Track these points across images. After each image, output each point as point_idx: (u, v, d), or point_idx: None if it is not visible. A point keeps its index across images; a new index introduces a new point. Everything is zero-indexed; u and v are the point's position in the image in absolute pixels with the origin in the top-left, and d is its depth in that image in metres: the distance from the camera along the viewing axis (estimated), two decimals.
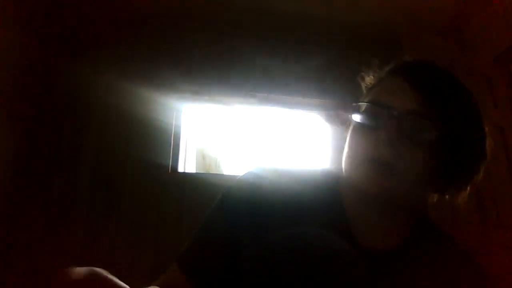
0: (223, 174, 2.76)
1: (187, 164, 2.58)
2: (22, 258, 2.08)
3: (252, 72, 2.56)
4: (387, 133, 0.58)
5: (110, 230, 2.18)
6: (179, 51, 2.63)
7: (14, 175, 2.15)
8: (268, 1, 2.56)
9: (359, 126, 0.65)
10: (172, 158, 2.41)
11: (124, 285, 0.40)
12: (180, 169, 2.45)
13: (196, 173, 2.59)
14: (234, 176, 0.91)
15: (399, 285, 0.62)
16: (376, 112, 0.62)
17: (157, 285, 0.62)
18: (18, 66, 2.17)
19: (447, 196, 0.72)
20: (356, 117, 0.66)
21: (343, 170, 0.68)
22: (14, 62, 2.12)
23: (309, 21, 2.74)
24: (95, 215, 2.22)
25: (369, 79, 0.77)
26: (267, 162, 0.77)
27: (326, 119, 2.77)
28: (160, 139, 2.41)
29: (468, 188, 0.71)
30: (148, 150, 2.36)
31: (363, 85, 0.78)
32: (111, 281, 0.39)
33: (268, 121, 2.78)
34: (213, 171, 2.84)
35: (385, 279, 0.61)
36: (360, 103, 0.66)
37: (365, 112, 0.65)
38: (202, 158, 2.79)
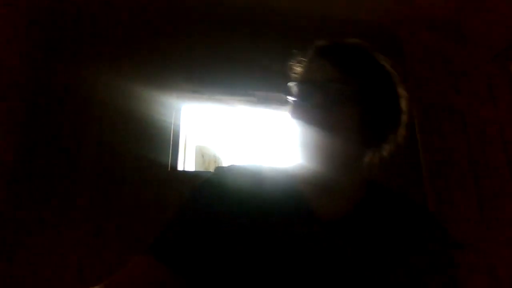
0: None
1: (186, 162, 2.58)
2: (22, 259, 2.08)
3: (252, 71, 2.56)
4: (316, 101, 0.67)
5: (110, 228, 2.18)
6: (179, 50, 2.63)
7: (14, 174, 2.15)
8: (268, 1, 2.56)
9: (294, 105, 0.74)
10: (171, 156, 2.41)
11: None
12: (180, 167, 2.45)
13: (195, 171, 2.60)
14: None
15: (364, 242, 0.68)
16: (304, 88, 0.72)
17: (121, 281, 0.64)
18: (18, 65, 2.16)
19: (378, 152, 0.79)
20: (290, 98, 0.75)
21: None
22: (14, 62, 2.12)
23: (309, 20, 2.74)
24: (95, 212, 2.22)
25: (296, 68, 0.84)
26: (235, 162, 0.85)
27: None
28: (160, 137, 2.41)
29: (394, 140, 0.79)
30: (148, 148, 2.36)
31: (292, 75, 0.84)
32: None
33: (267, 120, 2.78)
34: (212, 169, 2.84)
35: (349, 240, 0.68)
36: (290, 84, 0.75)
37: (296, 91, 0.74)
38: (201, 156, 2.79)
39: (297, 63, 0.83)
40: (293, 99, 0.74)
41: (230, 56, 2.60)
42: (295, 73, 0.82)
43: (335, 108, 0.67)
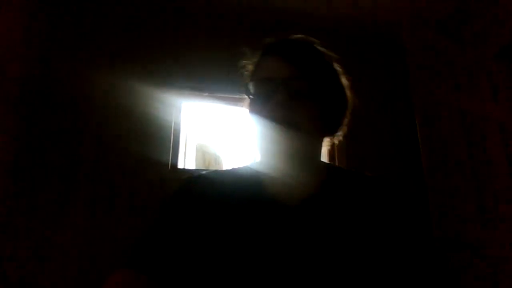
0: None
1: (187, 160, 2.58)
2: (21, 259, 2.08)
3: None
4: (279, 98, 0.70)
5: (110, 226, 2.19)
6: (179, 49, 2.62)
7: (14, 172, 2.15)
8: (272, 0, 2.56)
9: (254, 103, 0.77)
10: (172, 154, 2.41)
11: None
12: (180, 165, 2.45)
13: (196, 169, 2.60)
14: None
15: (326, 221, 0.72)
16: (264, 86, 0.74)
17: None
18: (19, 64, 2.16)
19: (334, 137, 0.86)
20: (249, 96, 0.78)
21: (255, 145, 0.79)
22: (14, 59, 2.11)
23: (309, 18, 2.73)
24: (95, 211, 2.22)
25: (249, 66, 0.87)
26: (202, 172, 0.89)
27: None
28: (160, 135, 2.41)
29: (343, 128, 0.87)
30: (148, 146, 2.36)
31: (245, 73, 0.87)
32: None
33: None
34: (213, 167, 2.85)
35: (311, 221, 0.72)
36: (250, 82, 0.78)
37: (255, 89, 0.76)
38: (202, 154, 2.79)
39: (249, 61, 0.86)
40: (251, 97, 0.77)
41: (230, 54, 2.59)
42: (247, 71, 0.85)
43: (296, 104, 0.71)
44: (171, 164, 2.38)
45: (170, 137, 2.44)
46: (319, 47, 0.85)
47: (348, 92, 0.86)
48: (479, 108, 2.07)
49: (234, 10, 2.64)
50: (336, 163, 2.58)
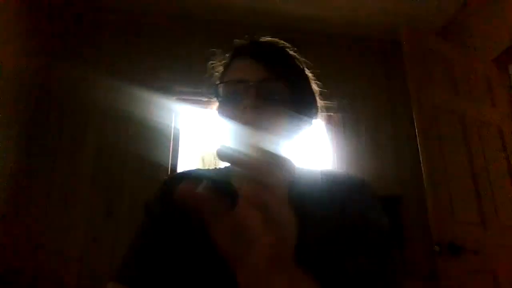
0: None
1: (186, 165, 2.58)
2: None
3: None
4: (249, 101, 0.68)
5: (110, 231, 2.18)
6: (179, 54, 2.63)
7: (15, 173, 2.14)
8: (268, 2, 2.57)
9: (223, 105, 0.74)
10: (171, 159, 2.41)
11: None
12: (180, 169, 2.45)
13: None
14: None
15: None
16: (234, 89, 0.72)
17: None
18: (19, 68, 2.16)
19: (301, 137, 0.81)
20: (219, 98, 0.75)
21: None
22: (15, 64, 2.12)
23: (308, 21, 2.75)
24: (95, 215, 2.21)
25: (218, 68, 0.86)
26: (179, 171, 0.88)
27: (325, 119, 2.77)
28: (160, 140, 2.41)
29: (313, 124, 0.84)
30: (148, 151, 2.36)
31: (214, 74, 0.86)
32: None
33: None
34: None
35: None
36: (219, 84, 0.76)
37: (225, 91, 0.74)
38: (201, 159, 2.79)
39: (220, 63, 0.86)
40: (220, 99, 0.75)
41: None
42: (217, 72, 0.84)
43: (266, 107, 0.69)
44: (171, 168, 2.38)
45: (170, 141, 2.44)
46: (290, 51, 0.82)
47: (318, 98, 0.84)
48: (478, 112, 2.07)
49: (234, 14, 2.66)
50: (335, 165, 2.59)
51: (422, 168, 1.75)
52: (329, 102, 2.73)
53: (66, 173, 2.28)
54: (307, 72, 0.83)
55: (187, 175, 0.84)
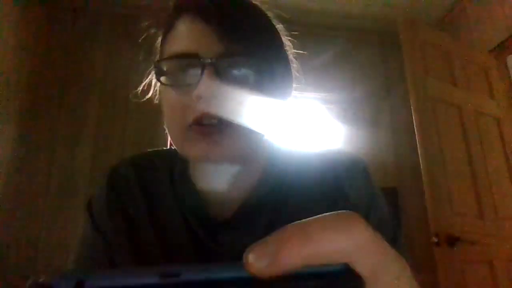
0: None
1: None
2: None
3: None
4: (204, 88, 0.47)
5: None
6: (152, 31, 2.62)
7: (13, 171, 2.14)
8: None
9: (166, 89, 0.53)
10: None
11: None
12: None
13: None
14: None
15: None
16: (182, 66, 0.51)
17: None
18: (14, 62, 2.15)
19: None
20: (161, 78, 0.53)
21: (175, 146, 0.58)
22: (11, 61, 2.10)
23: (307, 13, 2.73)
24: None
25: (158, 33, 0.63)
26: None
27: (327, 112, 2.77)
28: (160, 138, 2.41)
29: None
30: (146, 146, 2.35)
31: (156, 44, 0.65)
32: None
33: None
34: None
35: (246, 234, 0.55)
36: (162, 60, 0.54)
37: (168, 69, 0.53)
38: None
39: (161, 25, 0.62)
40: (163, 80, 0.53)
41: None
42: (163, 44, 0.59)
43: (227, 94, 0.49)
44: None
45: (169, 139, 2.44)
46: (256, 4, 0.59)
47: (293, 67, 0.61)
48: (476, 103, 2.08)
49: None
50: None
51: (420, 160, 1.75)
52: (327, 94, 2.74)
53: (64, 168, 2.28)
54: (280, 32, 0.61)
55: (136, 164, 0.66)
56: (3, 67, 2.04)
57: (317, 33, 2.79)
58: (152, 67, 0.57)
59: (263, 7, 0.60)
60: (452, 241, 1.64)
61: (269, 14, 0.60)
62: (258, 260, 0.18)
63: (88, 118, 2.39)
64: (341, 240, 0.19)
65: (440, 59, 2.02)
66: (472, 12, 2.49)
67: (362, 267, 0.20)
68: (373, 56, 2.94)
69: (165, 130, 0.59)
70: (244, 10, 0.55)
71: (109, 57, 2.52)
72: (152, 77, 0.63)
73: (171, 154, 0.65)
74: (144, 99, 0.69)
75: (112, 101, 2.41)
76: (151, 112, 2.45)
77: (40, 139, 2.29)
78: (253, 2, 0.58)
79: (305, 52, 0.65)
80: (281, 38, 0.60)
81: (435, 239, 1.63)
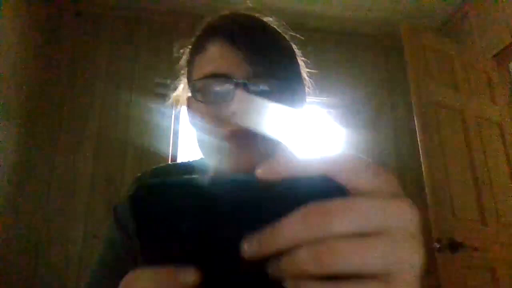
0: None
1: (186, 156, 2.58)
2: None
3: None
4: (237, 106, 0.54)
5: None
6: (179, 50, 2.62)
7: (15, 172, 2.15)
8: (269, 1, 2.57)
9: (199, 105, 0.59)
10: (171, 156, 2.41)
11: None
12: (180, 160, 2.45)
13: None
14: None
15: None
16: (216, 85, 0.57)
17: None
18: (17, 67, 2.16)
19: None
20: (195, 95, 0.60)
21: (207, 160, 0.64)
22: (13, 62, 2.12)
23: (309, 18, 2.74)
24: (95, 212, 2.22)
25: (187, 50, 0.71)
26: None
27: (328, 116, 2.77)
28: (160, 136, 2.41)
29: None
30: (148, 147, 2.36)
31: (182, 61, 0.73)
32: None
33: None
34: None
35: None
36: (197, 80, 0.60)
37: (203, 87, 0.59)
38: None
39: (191, 46, 0.69)
40: (197, 96, 0.59)
41: None
42: (193, 64, 0.65)
43: (258, 110, 0.56)
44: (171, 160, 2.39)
45: (170, 138, 2.44)
46: (276, 28, 0.67)
47: (307, 87, 0.70)
48: (478, 109, 2.08)
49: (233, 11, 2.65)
50: None
51: (422, 165, 1.75)
52: (329, 98, 2.74)
53: (66, 170, 2.28)
54: (297, 54, 0.68)
55: (158, 174, 0.71)
56: (5, 70, 2.05)
57: (318, 37, 2.79)
58: (177, 82, 0.67)
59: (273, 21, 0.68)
60: (454, 246, 1.63)
61: (287, 36, 0.68)
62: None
63: (90, 122, 2.39)
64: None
65: (442, 65, 2.02)
66: (474, 18, 2.49)
67: None
68: (375, 60, 2.94)
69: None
70: (268, 35, 0.63)
71: (112, 60, 2.54)
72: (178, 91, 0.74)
73: (190, 166, 0.72)
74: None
75: (114, 105, 2.42)
76: (153, 117, 2.46)
77: (42, 143, 2.30)
78: (269, 25, 0.66)
79: (306, 60, 0.71)
80: (297, 59, 0.67)
81: (437, 245, 1.62)
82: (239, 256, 0.23)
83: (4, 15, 2.02)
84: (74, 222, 2.20)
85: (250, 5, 0.71)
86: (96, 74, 2.47)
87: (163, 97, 2.56)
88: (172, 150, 2.43)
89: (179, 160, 2.48)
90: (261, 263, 0.23)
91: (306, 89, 0.70)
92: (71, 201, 2.23)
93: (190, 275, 0.23)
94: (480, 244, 1.73)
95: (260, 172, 0.23)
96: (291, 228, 0.22)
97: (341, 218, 0.22)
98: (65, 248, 2.14)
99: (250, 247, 0.23)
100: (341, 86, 2.72)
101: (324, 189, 0.23)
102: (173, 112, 2.50)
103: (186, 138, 2.61)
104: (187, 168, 0.73)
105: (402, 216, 0.24)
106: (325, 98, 2.62)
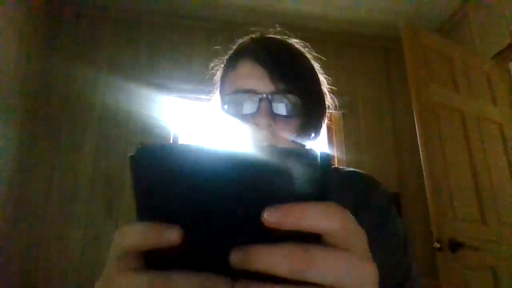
0: None
1: None
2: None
3: None
4: (262, 118, 0.62)
5: (109, 229, 2.19)
6: (179, 51, 2.63)
7: (15, 173, 2.15)
8: (268, 0, 2.57)
9: (229, 116, 0.68)
10: None
11: None
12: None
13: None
14: None
15: None
16: (243, 99, 0.66)
17: None
18: (17, 67, 2.16)
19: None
20: (225, 106, 0.68)
21: None
22: (13, 62, 2.12)
23: (309, 19, 2.75)
24: (95, 214, 2.22)
25: (219, 68, 0.80)
26: None
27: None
28: (160, 138, 2.41)
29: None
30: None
31: (215, 75, 0.82)
32: None
33: None
34: None
35: None
36: (229, 94, 0.68)
37: (231, 101, 0.67)
38: None
39: (223, 64, 0.78)
40: (227, 108, 0.68)
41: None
42: (225, 79, 0.75)
43: (281, 123, 0.64)
44: None
45: (170, 139, 2.44)
46: (299, 49, 0.75)
47: (327, 96, 0.78)
48: (478, 109, 2.08)
49: (233, 12, 2.65)
50: (336, 164, 2.59)
51: (423, 165, 1.75)
52: (329, 99, 2.74)
53: (66, 171, 2.28)
54: (318, 71, 0.76)
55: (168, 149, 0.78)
56: (6, 72, 2.05)
57: (319, 38, 2.80)
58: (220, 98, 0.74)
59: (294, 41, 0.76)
60: (455, 246, 1.63)
61: (309, 55, 0.76)
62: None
63: (91, 123, 2.40)
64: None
65: (442, 65, 2.03)
66: (474, 18, 2.49)
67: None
68: (374, 61, 2.94)
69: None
70: (291, 56, 0.71)
71: (112, 61, 2.54)
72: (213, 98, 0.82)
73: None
74: None
75: (114, 105, 2.42)
76: (154, 117, 2.47)
77: (43, 144, 2.30)
78: (292, 46, 0.74)
79: (318, 56, 0.77)
80: (318, 76, 0.75)
81: (437, 245, 1.63)
82: (222, 225, 0.24)
83: (4, 15, 2.02)
84: (74, 222, 2.20)
85: (279, 29, 0.78)
86: (96, 74, 2.48)
87: (163, 97, 2.57)
88: None
89: None
90: (242, 238, 0.24)
91: (326, 103, 0.77)
92: (71, 202, 2.23)
93: (174, 234, 0.24)
94: (480, 244, 1.73)
95: (267, 217, 0.24)
96: (274, 259, 0.24)
97: (318, 269, 0.24)
98: (65, 248, 2.15)
99: (234, 258, 0.24)
100: (342, 86, 2.73)
101: (306, 166, 0.25)
102: (174, 112, 2.50)
103: (186, 137, 2.61)
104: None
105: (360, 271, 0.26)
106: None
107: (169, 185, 0.25)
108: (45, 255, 2.11)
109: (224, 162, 0.24)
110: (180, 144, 0.25)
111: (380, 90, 2.86)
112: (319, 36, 2.81)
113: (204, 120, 2.86)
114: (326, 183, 0.25)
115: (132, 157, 0.25)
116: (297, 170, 0.24)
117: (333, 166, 0.80)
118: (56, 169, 2.28)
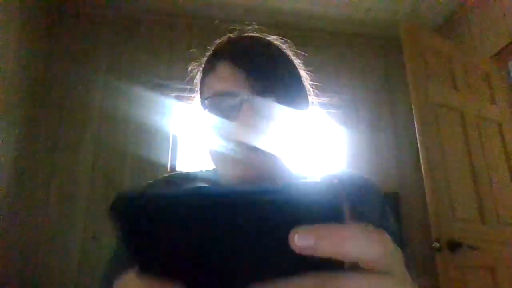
0: None
1: (185, 163, 2.58)
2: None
3: None
4: (243, 119, 0.61)
5: (110, 230, 2.18)
6: (177, 51, 2.63)
7: (15, 172, 2.14)
8: (268, 0, 2.57)
9: (209, 119, 0.67)
10: (170, 157, 2.41)
11: None
12: (179, 168, 2.45)
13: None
14: None
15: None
16: (223, 101, 0.65)
17: None
18: (17, 67, 2.16)
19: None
20: (205, 111, 0.68)
21: (216, 167, 0.71)
22: (13, 63, 2.12)
23: (308, 18, 2.74)
24: (94, 212, 2.22)
25: (197, 70, 0.79)
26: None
27: (328, 117, 2.77)
28: (159, 138, 2.41)
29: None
30: (147, 149, 2.36)
31: (195, 77, 0.80)
32: None
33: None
34: None
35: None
36: (208, 97, 0.67)
37: (212, 103, 0.66)
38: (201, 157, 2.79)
39: (200, 66, 0.77)
40: (207, 110, 0.67)
41: None
42: (204, 81, 0.74)
43: (261, 123, 0.62)
44: (170, 167, 2.39)
45: (169, 140, 2.44)
46: (277, 46, 0.73)
47: (311, 96, 0.76)
48: (477, 108, 2.08)
49: (233, 12, 2.65)
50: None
51: (422, 165, 1.75)
52: (328, 99, 2.74)
53: (65, 171, 2.28)
54: (299, 67, 0.74)
55: (169, 181, 0.76)
56: (5, 71, 2.05)
57: (318, 37, 2.80)
58: (193, 97, 0.75)
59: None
60: (454, 246, 1.63)
61: (289, 52, 0.74)
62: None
63: (90, 123, 2.40)
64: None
65: (441, 64, 2.02)
66: (473, 17, 2.49)
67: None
68: (374, 60, 2.94)
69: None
70: (269, 55, 0.69)
71: (112, 62, 2.54)
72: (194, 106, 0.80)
73: (200, 175, 0.79)
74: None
75: (114, 105, 2.42)
76: (152, 118, 2.46)
77: (42, 144, 2.30)
78: (271, 43, 0.73)
79: (299, 52, 0.75)
80: (299, 72, 0.73)
81: (436, 245, 1.62)
82: (204, 272, 0.24)
83: (3, 15, 2.02)
84: (74, 222, 2.20)
85: (256, 26, 0.77)
86: (95, 74, 2.48)
87: (162, 97, 2.57)
88: (171, 151, 2.44)
89: (178, 160, 2.48)
90: (240, 283, 0.23)
91: (310, 99, 0.75)
92: (71, 201, 2.23)
93: None
94: (479, 244, 1.73)
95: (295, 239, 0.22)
96: None
97: None
98: (65, 248, 2.15)
99: None
100: (341, 86, 2.72)
101: (322, 209, 0.23)
102: (173, 113, 2.50)
103: (186, 138, 2.61)
104: (197, 178, 0.79)
105: None
106: (325, 98, 2.61)
107: (149, 238, 0.24)
108: (45, 255, 2.11)
109: (218, 203, 0.23)
110: (158, 193, 0.25)
111: (379, 90, 2.86)
112: (317, 35, 2.81)
113: (198, 122, 2.87)
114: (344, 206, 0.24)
115: (110, 208, 0.25)
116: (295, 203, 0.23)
117: (325, 172, 0.79)
118: (55, 169, 2.28)
